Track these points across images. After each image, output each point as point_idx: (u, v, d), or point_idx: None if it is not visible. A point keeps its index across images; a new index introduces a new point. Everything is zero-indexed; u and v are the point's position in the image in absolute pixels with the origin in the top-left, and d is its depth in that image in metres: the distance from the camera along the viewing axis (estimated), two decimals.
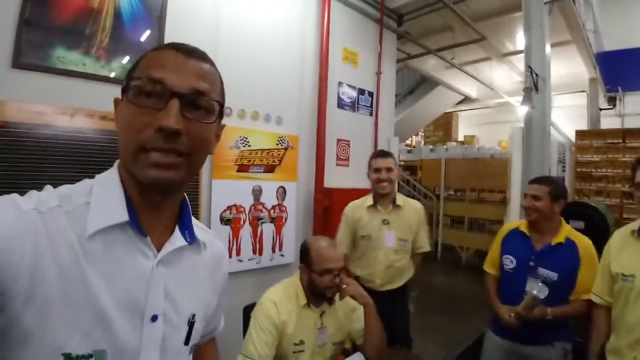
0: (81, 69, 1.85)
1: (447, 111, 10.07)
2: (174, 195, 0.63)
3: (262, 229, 2.66)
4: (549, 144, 3.40)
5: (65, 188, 0.57)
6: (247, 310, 1.71)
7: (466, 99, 9.56)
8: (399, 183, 5.15)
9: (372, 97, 3.59)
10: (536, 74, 3.15)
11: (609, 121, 6.76)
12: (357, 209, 2.20)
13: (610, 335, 1.49)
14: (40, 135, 1.72)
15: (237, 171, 2.51)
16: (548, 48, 3.34)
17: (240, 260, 2.53)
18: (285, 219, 2.81)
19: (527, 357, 1.77)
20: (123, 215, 0.55)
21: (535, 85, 3.13)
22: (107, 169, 0.61)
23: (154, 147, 0.53)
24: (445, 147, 8.39)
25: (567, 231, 1.77)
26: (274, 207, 2.73)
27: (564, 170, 5.19)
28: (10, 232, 0.48)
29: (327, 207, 2.91)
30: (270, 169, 2.70)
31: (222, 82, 0.64)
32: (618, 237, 1.54)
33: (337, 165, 3.25)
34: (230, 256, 2.43)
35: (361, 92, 3.47)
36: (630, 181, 1.50)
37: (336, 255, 1.53)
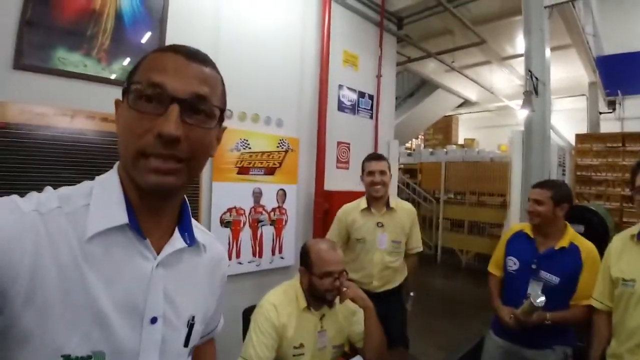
0: (82, 70, 1.86)
1: (447, 114, 10.08)
2: (174, 199, 0.63)
3: (262, 232, 2.66)
4: (549, 147, 3.40)
5: (65, 189, 0.57)
6: (247, 313, 1.71)
7: (466, 102, 9.57)
8: (399, 186, 5.15)
9: (372, 100, 3.59)
10: (536, 78, 3.16)
11: (609, 125, 6.77)
12: (351, 212, 2.21)
13: (611, 340, 1.48)
14: (41, 136, 1.72)
15: (238, 173, 2.50)
16: (548, 52, 3.34)
17: (240, 263, 2.53)
18: (285, 221, 2.81)
19: (527, 359, 1.77)
20: (122, 218, 0.55)
21: (535, 89, 3.14)
22: (107, 171, 0.61)
23: (154, 153, 0.53)
24: (445, 150, 8.38)
25: (572, 236, 1.77)
26: (274, 209, 2.73)
27: (563, 174, 5.19)
28: (11, 232, 0.48)
29: (327, 210, 2.91)
30: (270, 171, 2.69)
31: (223, 85, 0.63)
32: (618, 242, 1.54)
33: (337, 168, 3.25)
34: (230, 259, 2.42)
35: (361, 95, 3.48)
36: (630, 185, 1.50)
37: (336, 258, 1.53)
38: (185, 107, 0.54)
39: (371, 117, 3.59)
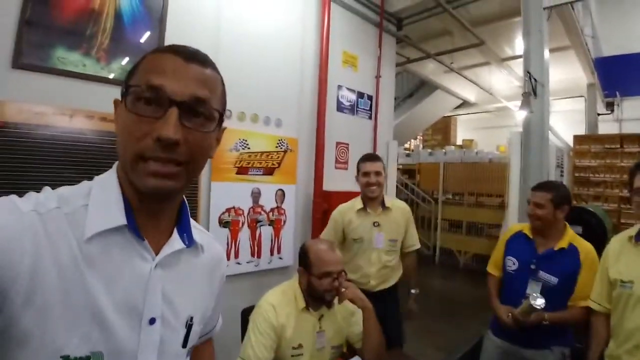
0: (81, 70, 1.85)
1: (445, 115, 10.09)
2: (173, 201, 0.63)
3: (260, 232, 2.65)
4: (547, 148, 3.41)
5: (63, 190, 0.57)
6: (246, 314, 1.70)
7: (465, 103, 9.58)
8: (397, 187, 5.15)
9: (371, 101, 3.59)
10: (535, 79, 3.17)
11: (607, 126, 6.78)
12: (347, 213, 2.22)
13: (609, 342, 1.48)
14: (40, 135, 1.72)
15: (236, 174, 2.50)
16: (547, 53, 3.35)
17: (239, 263, 2.53)
18: (284, 221, 2.81)
19: (526, 359, 1.78)
20: (121, 219, 0.55)
21: (533, 90, 3.14)
22: (106, 170, 0.61)
23: (153, 157, 0.53)
24: (443, 151, 8.39)
25: (571, 237, 1.78)
26: (272, 209, 2.73)
27: (562, 175, 5.20)
28: (10, 232, 0.47)
29: (325, 210, 2.90)
30: (269, 171, 2.69)
31: (223, 86, 0.63)
32: (616, 243, 1.54)
33: (336, 168, 3.25)
34: (228, 259, 2.42)
35: (360, 95, 3.48)
36: (628, 186, 1.50)
37: (335, 258, 1.53)
38: (184, 110, 0.54)
39: (370, 118, 3.59)
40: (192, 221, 0.68)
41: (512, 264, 1.86)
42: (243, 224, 2.55)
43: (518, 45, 5.89)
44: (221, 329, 0.88)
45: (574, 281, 1.69)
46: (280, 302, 1.50)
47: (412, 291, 2.35)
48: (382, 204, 2.20)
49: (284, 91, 2.82)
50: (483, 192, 6.85)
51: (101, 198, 0.56)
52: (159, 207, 0.61)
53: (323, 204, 2.93)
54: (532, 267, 1.77)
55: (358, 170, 2.21)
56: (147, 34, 2.08)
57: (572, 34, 4.80)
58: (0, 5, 1.63)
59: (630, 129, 6.28)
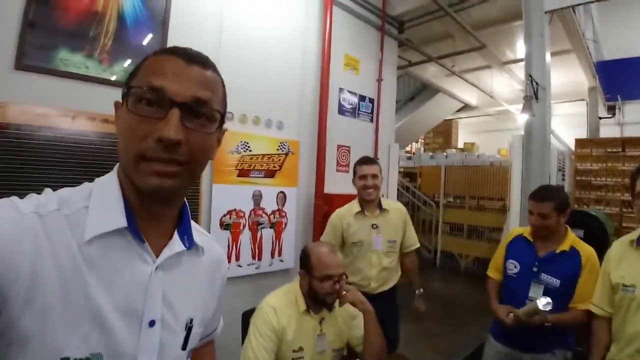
0: (84, 71, 1.86)
1: (447, 118, 10.09)
2: (174, 203, 0.63)
3: (261, 234, 2.65)
4: (549, 152, 3.40)
5: (64, 191, 0.57)
6: (246, 316, 1.70)
7: (466, 107, 9.58)
8: (398, 190, 5.15)
9: (372, 104, 3.60)
10: (536, 83, 3.16)
11: (609, 130, 6.78)
12: (345, 216, 2.22)
13: (611, 346, 1.48)
14: (42, 137, 1.72)
15: (238, 176, 2.50)
16: (548, 57, 3.35)
17: (240, 266, 2.52)
18: (285, 224, 2.81)
19: None
20: (121, 221, 0.55)
21: (535, 94, 3.14)
22: (108, 172, 0.61)
23: (154, 157, 0.53)
24: (445, 154, 8.38)
25: (572, 240, 1.77)
26: (274, 212, 2.73)
27: (563, 179, 5.19)
28: (10, 234, 0.47)
29: (327, 213, 2.90)
30: (270, 174, 2.69)
31: (224, 88, 0.63)
32: (617, 248, 1.53)
33: (338, 171, 3.25)
34: (229, 261, 2.42)
35: (362, 98, 3.48)
36: (630, 190, 1.50)
37: (336, 262, 1.53)
38: (185, 111, 0.54)
39: (371, 121, 3.60)
40: (192, 223, 0.68)
41: (514, 267, 1.86)
42: (244, 226, 2.55)
43: (519, 48, 5.90)
44: (222, 331, 0.87)
45: (575, 283, 1.68)
46: (281, 305, 1.50)
47: (417, 292, 2.34)
48: (379, 206, 2.21)
49: (286, 94, 2.82)
50: (484, 196, 6.84)
51: (102, 200, 0.56)
52: (160, 209, 0.60)
53: (324, 207, 2.93)
54: (534, 269, 1.76)
55: (355, 173, 2.21)
56: (150, 36, 2.09)
57: (573, 38, 4.80)
58: (3, 7, 1.64)
59: (632, 132, 6.28)
